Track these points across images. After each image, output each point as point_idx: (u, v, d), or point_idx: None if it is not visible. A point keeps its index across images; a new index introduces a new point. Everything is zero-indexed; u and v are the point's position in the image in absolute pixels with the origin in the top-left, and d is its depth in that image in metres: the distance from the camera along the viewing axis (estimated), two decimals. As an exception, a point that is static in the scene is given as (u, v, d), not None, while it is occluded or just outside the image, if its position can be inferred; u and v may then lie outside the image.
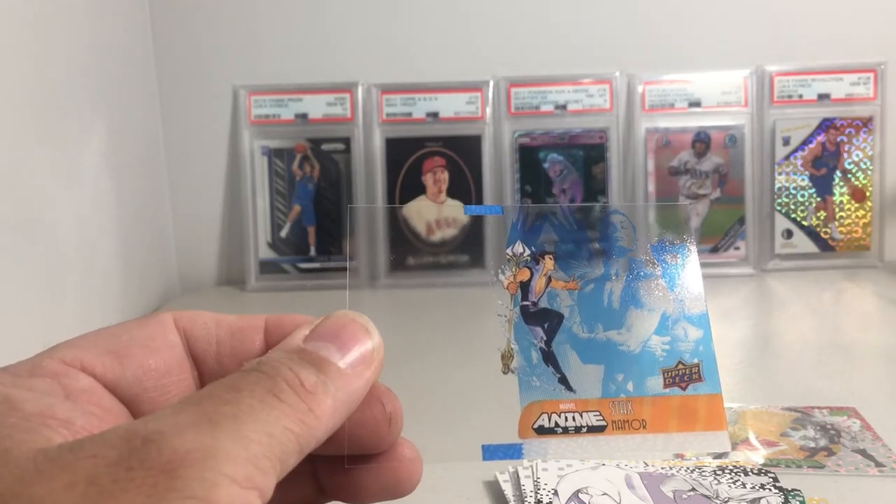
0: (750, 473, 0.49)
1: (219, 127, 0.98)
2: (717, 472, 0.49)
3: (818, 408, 0.58)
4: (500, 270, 0.29)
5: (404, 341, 0.79)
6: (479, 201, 0.96)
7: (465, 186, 0.95)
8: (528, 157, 0.96)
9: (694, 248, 0.29)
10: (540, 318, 0.29)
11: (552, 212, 0.30)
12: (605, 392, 0.28)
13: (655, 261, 0.29)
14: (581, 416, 0.28)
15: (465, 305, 0.90)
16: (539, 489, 0.47)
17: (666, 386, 0.28)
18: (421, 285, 0.95)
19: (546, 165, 0.96)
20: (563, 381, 0.28)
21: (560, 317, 0.29)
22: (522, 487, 0.48)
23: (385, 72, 0.96)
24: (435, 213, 0.96)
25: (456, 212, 0.97)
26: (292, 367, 0.23)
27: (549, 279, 0.29)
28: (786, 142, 0.96)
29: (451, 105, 0.96)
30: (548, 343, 0.28)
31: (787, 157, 0.96)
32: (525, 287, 0.29)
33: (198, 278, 1.01)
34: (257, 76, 0.97)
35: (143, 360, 0.25)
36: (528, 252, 0.29)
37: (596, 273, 0.29)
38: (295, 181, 0.96)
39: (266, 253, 0.96)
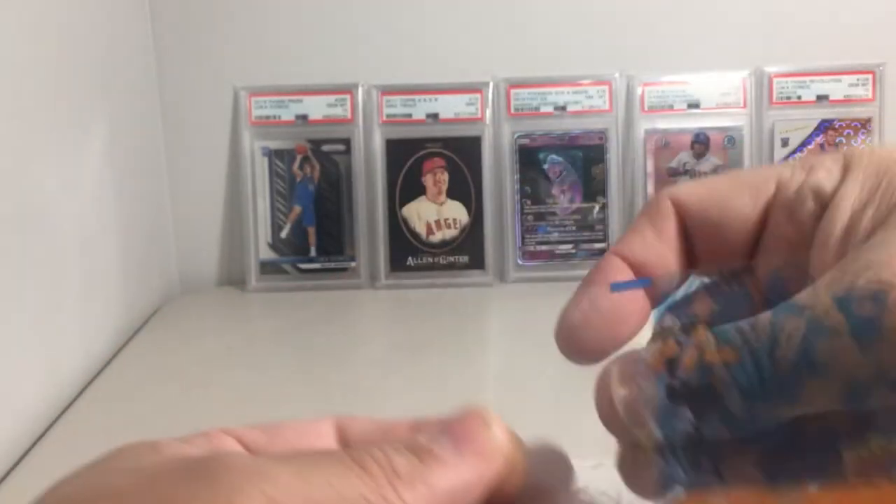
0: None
1: (219, 128, 0.98)
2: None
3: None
4: (638, 349, 0.24)
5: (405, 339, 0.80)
6: (479, 202, 0.96)
7: (465, 187, 0.96)
8: (528, 157, 0.96)
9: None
10: (689, 399, 0.22)
11: (711, 278, 0.26)
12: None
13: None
14: None
15: (466, 306, 0.90)
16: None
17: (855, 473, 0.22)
18: (421, 286, 0.95)
19: (546, 166, 0.96)
20: (717, 471, 0.23)
21: (720, 398, 0.22)
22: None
23: (385, 73, 0.97)
24: (435, 214, 0.96)
25: (458, 212, 0.97)
26: (386, 451, 0.21)
27: (703, 353, 0.22)
28: (784, 143, 0.97)
29: (451, 106, 0.96)
30: (698, 429, 0.22)
31: (785, 158, 0.97)
32: (671, 364, 0.23)
33: (198, 279, 1.01)
34: (258, 77, 0.97)
35: (291, 439, 0.25)
36: (678, 324, 0.24)
37: (759, 340, 0.22)
38: (295, 182, 0.96)
39: (266, 253, 0.96)
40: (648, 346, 0.24)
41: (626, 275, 0.27)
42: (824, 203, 0.25)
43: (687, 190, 0.28)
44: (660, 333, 0.25)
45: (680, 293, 0.26)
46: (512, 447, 0.24)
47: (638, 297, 0.27)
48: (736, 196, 0.27)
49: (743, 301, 0.25)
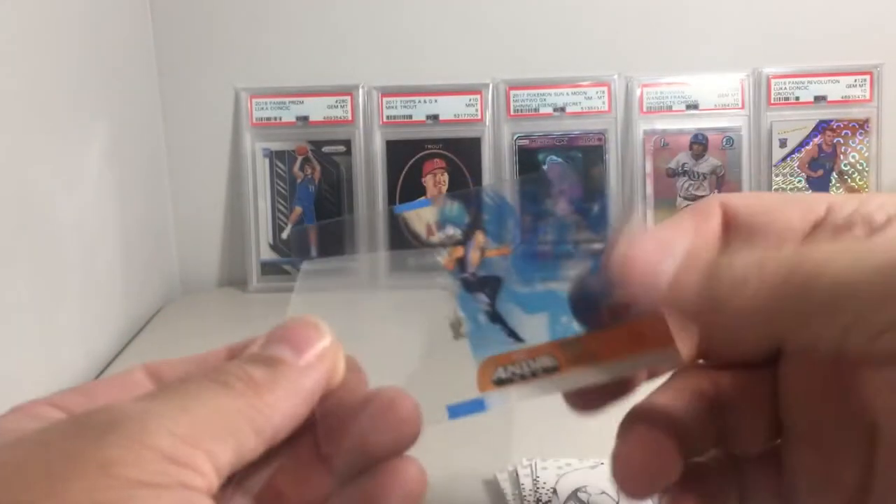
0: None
1: (220, 129, 0.98)
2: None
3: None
4: (437, 252, 0.32)
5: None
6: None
7: (465, 188, 0.96)
8: (528, 158, 0.97)
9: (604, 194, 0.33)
10: (480, 286, 0.31)
11: (470, 196, 0.33)
12: (554, 335, 0.30)
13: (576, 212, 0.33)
14: (535, 360, 0.29)
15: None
16: (538, 488, 0.48)
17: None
18: (420, 286, 0.95)
19: (545, 167, 0.97)
20: (513, 334, 0.30)
21: (499, 280, 0.31)
22: (521, 486, 0.48)
23: (385, 74, 0.97)
24: (435, 214, 0.96)
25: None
26: (242, 366, 0.24)
27: (483, 251, 0.31)
28: (783, 143, 0.97)
29: (450, 107, 0.97)
30: (492, 305, 0.31)
31: (784, 159, 0.97)
32: (461, 262, 0.32)
33: (199, 279, 1.01)
34: (259, 79, 0.97)
35: (111, 396, 0.26)
36: (459, 231, 0.32)
37: (517, 235, 0.32)
38: (296, 183, 0.97)
39: (267, 254, 0.97)
40: (439, 251, 0.32)
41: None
42: (872, 231, 0.26)
43: (738, 196, 0.30)
44: (446, 240, 0.32)
45: (446, 209, 0.32)
46: (340, 349, 0.27)
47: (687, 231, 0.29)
48: (787, 209, 0.28)
49: (505, 210, 0.32)
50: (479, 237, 0.32)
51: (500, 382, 0.29)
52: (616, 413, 0.30)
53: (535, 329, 0.30)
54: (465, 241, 0.32)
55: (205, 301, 0.95)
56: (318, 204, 0.97)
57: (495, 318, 0.30)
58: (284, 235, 0.97)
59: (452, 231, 0.32)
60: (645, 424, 0.28)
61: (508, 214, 0.32)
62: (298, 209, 0.97)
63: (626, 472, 0.28)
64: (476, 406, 0.29)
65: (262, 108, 0.97)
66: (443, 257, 0.31)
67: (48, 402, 0.26)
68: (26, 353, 0.63)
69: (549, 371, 0.29)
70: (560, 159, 0.97)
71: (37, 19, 0.67)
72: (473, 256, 0.31)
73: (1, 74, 0.61)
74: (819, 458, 0.27)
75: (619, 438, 0.28)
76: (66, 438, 0.20)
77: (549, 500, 0.47)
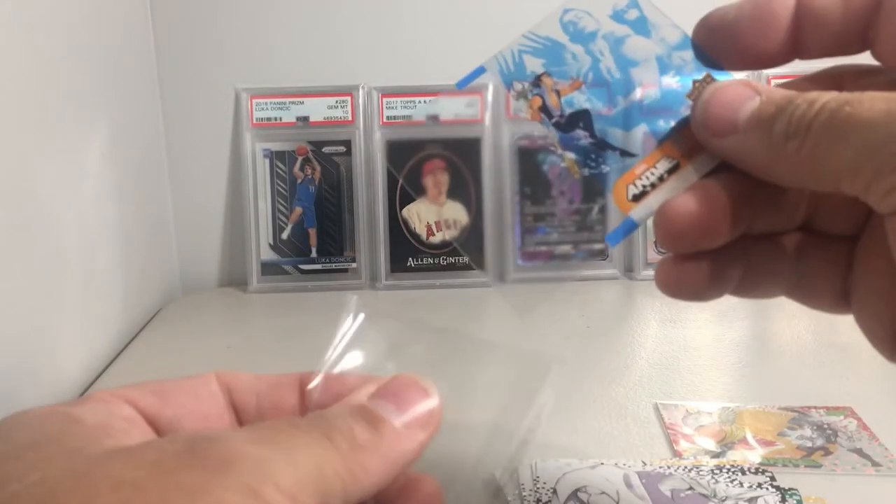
0: (747, 473, 0.49)
1: (220, 129, 0.98)
2: (715, 472, 0.49)
3: (815, 407, 0.59)
4: (519, 111, 0.33)
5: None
6: (479, 202, 0.96)
7: (465, 188, 0.96)
8: (528, 159, 0.97)
9: None
10: (573, 123, 0.32)
11: (524, 46, 0.34)
12: (659, 139, 0.32)
13: (622, 24, 0.34)
14: (656, 167, 0.31)
15: (466, 306, 0.91)
16: (538, 488, 0.48)
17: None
18: (421, 286, 0.95)
19: (545, 167, 0.97)
20: (625, 153, 0.32)
21: (586, 111, 0.32)
22: (521, 486, 0.48)
23: (385, 75, 0.97)
24: (435, 215, 0.97)
25: (458, 213, 0.97)
26: (349, 420, 0.24)
27: (557, 92, 0.33)
28: (783, 144, 0.97)
29: (451, 108, 0.97)
30: (592, 135, 0.32)
31: (784, 159, 0.97)
32: (545, 110, 0.32)
33: (199, 279, 1.01)
34: (259, 79, 0.97)
35: (184, 403, 0.27)
36: (527, 83, 0.33)
37: (586, 65, 0.33)
38: (296, 183, 0.97)
39: (268, 254, 0.97)
40: (519, 108, 0.33)
41: (788, 16, 0.30)
42: None
43: None
44: (520, 94, 0.33)
45: (506, 66, 0.34)
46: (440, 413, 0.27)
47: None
48: None
49: (558, 50, 0.34)
50: (547, 80, 0.33)
51: (637, 198, 0.31)
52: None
53: (641, 140, 0.32)
54: (538, 90, 0.33)
55: (205, 301, 0.95)
56: (318, 204, 0.97)
57: (602, 145, 0.32)
58: (284, 236, 0.97)
59: (521, 85, 0.33)
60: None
61: (561, 50, 0.33)
62: (299, 209, 0.97)
63: (675, 218, 0.28)
64: (629, 226, 0.31)
65: (263, 109, 0.97)
66: (526, 112, 0.32)
67: (122, 397, 0.26)
68: (26, 353, 0.63)
69: (672, 170, 0.31)
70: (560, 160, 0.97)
71: (36, 19, 0.67)
72: (552, 100, 0.32)
73: (0, 74, 0.61)
74: (886, 273, 0.28)
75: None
76: (184, 468, 0.20)
77: (549, 500, 0.46)
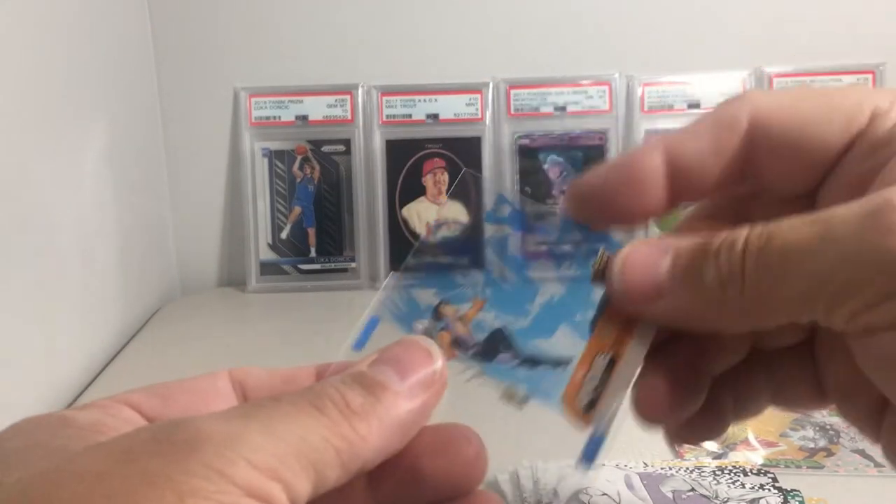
0: (749, 474, 0.49)
1: (219, 129, 0.98)
2: (717, 473, 0.49)
3: (817, 408, 0.58)
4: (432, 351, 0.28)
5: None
6: (479, 202, 0.96)
7: (466, 189, 0.96)
8: (528, 158, 0.96)
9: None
10: (492, 349, 0.29)
11: (409, 282, 0.30)
12: (584, 336, 0.28)
13: (499, 224, 0.31)
14: (593, 367, 0.28)
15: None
16: (539, 489, 0.47)
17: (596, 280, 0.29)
18: (419, 286, 0.95)
19: (546, 167, 0.96)
20: (558, 363, 0.28)
21: (499, 331, 0.29)
22: (522, 487, 0.48)
23: (385, 74, 0.97)
24: (434, 214, 0.96)
25: (456, 213, 0.97)
26: (339, 388, 0.23)
27: (461, 318, 0.29)
28: (785, 143, 0.97)
29: (450, 107, 0.96)
30: (517, 355, 0.29)
31: (786, 158, 0.97)
32: (458, 343, 0.29)
33: (198, 279, 1.01)
34: (258, 78, 0.97)
35: (188, 403, 0.26)
36: (428, 319, 0.29)
37: (479, 279, 0.30)
38: (295, 183, 0.97)
39: (266, 254, 0.97)
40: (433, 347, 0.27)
41: (658, 175, 0.27)
42: None
43: (770, 100, 0.27)
44: (426, 333, 0.29)
45: (397, 309, 0.29)
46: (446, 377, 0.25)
47: (654, 166, 0.27)
48: (826, 121, 0.26)
49: (446, 274, 0.31)
50: (448, 309, 0.30)
51: (590, 406, 0.28)
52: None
53: (568, 342, 0.28)
54: (442, 323, 0.29)
55: (204, 301, 0.95)
56: (317, 204, 0.97)
57: (531, 362, 0.29)
58: (283, 235, 0.97)
59: (423, 325, 0.29)
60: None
61: (448, 272, 0.30)
62: (298, 209, 0.97)
63: (647, 400, 0.28)
64: (597, 441, 0.27)
65: (262, 108, 0.96)
66: (439, 350, 0.27)
67: (125, 402, 0.25)
68: (25, 353, 0.63)
69: (610, 366, 0.28)
70: (561, 158, 0.97)
71: (36, 19, 0.67)
72: (461, 329, 0.29)
73: (0, 75, 0.61)
74: (846, 364, 0.27)
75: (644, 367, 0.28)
76: (148, 455, 0.19)
77: (550, 502, 0.46)
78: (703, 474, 0.49)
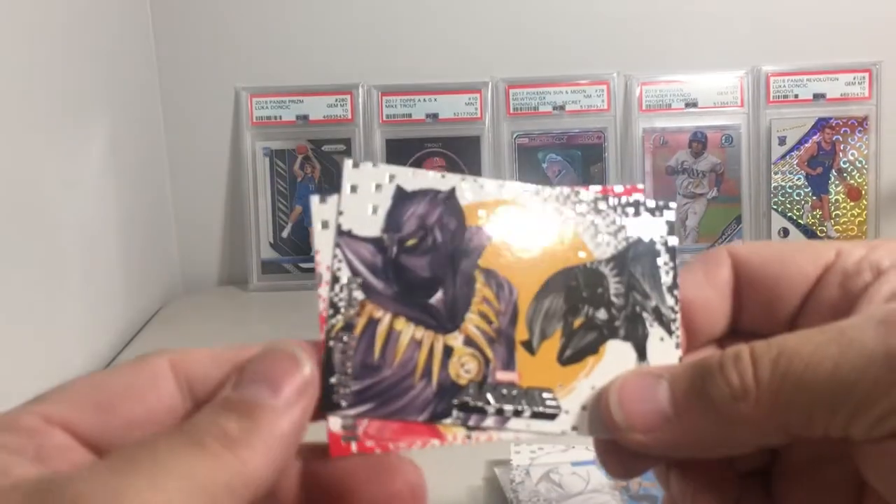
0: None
1: (220, 128, 0.98)
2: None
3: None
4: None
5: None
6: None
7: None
8: (527, 157, 0.97)
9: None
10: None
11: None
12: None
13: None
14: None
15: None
16: (511, 470, 0.48)
17: None
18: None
19: (545, 165, 0.97)
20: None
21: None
22: (495, 469, 0.49)
23: (385, 73, 0.97)
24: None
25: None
26: (214, 419, 0.22)
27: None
28: (782, 141, 0.97)
29: (450, 106, 0.97)
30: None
31: (783, 157, 0.97)
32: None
33: (200, 278, 1.01)
34: (259, 78, 0.98)
35: (130, 412, 0.24)
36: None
37: None
38: (296, 182, 0.97)
39: (268, 253, 0.97)
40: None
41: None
42: (880, 275, 0.26)
43: (745, 245, 0.30)
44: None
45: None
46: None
47: None
48: (798, 255, 0.29)
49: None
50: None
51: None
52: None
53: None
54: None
55: (205, 300, 0.96)
56: (318, 203, 0.97)
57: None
58: (285, 234, 0.97)
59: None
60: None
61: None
62: (298, 208, 0.97)
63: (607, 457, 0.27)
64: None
65: (263, 108, 0.97)
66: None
67: (59, 422, 0.23)
68: (27, 352, 0.63)
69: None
70: (560, 157, 0.97)
71: (36, 19, 0.68)
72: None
73: (1, 75, 0.61)
74: (808, 494, 0.27)
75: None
76: None
77: (522, 481, 0.47)
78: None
